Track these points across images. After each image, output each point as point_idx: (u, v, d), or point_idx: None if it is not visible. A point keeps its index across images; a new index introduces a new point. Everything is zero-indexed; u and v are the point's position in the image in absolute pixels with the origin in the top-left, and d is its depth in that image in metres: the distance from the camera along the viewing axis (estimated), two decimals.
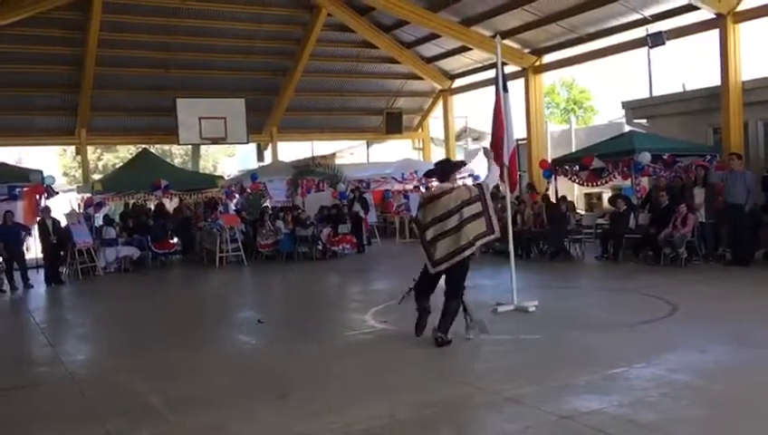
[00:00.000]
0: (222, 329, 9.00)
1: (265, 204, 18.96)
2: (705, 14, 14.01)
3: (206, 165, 40.66)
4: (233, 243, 16.01)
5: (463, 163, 8.48)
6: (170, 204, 19.34)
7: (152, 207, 18.30)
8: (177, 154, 39.57)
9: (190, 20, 18.85)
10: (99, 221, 16.15)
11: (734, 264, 11.36)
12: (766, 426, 4.51)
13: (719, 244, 12.15)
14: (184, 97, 19.48)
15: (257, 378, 6.32)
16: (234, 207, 18.26)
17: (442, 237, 6.71)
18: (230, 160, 41.85)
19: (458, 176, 17.12)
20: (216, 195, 17.56)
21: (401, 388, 5.65)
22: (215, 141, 21.24)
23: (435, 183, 7.04)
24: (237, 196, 18.73)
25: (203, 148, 31.65)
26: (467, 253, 6.75)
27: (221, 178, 19.43)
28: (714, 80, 14.08)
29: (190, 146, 27.68)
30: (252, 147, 24.76)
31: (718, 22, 13.61)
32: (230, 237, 15.94)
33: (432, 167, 7.69)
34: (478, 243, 6.81)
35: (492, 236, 6.94)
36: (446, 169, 7.27)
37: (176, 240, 17.35)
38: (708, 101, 14.41)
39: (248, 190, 18.67)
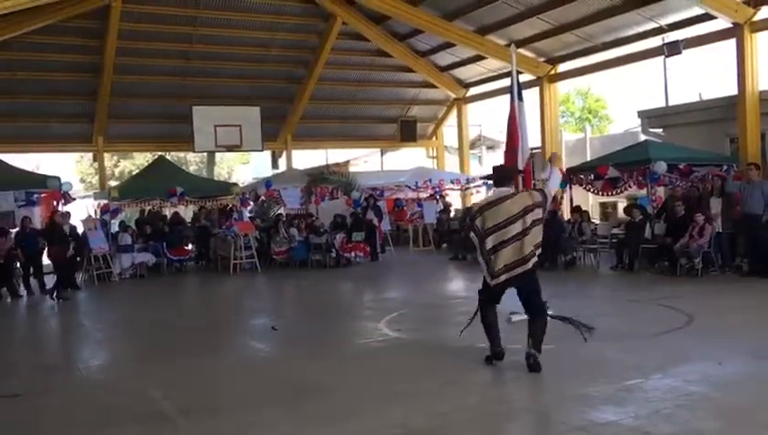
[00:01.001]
0: (235, 336, 9.03)
1: (279, 211, 19.01)
2: (721, 23, 13.92)
3: (220, 172, 40.91)
4: (247, 250, 16.06)
5: (520, 171, 8.18)
6: (185, 211, 19.44)
7: (168, 214, 18.40)
8: (192, 161, 39.81)
9: (206, 28, 18.99)
10: (115, 227, 16.26)
11: (751, 275, 11.23)
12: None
13: (736, 254, 12.01)
14: (200, 105, 19.62)
15: (270, 385, 6.33)
16: (248, 215, 18.32)
17: (502, 246, 6.16)
18: (245, 168, 42.06)
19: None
20: (230, 202, 17.64)
21: (414, 396, 5.63)
22: (230, 149, 21.35)
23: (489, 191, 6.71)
24: (252, 203, 18.80)
25: (218, 155, 31.85)
26: (530, 264, 6.17)
27: (236, 185, 19.54)
28: (731, 89, 13.99)
29: (206, 153, 27.85)
30: (266, 154, 24.87)
31: (735, 31, 13.53)
32: (244, 244, 16.00)
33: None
34: (538, 251, 6.23)
35: None
36: (504, 173, 6.83)
37: (191, 247, 17.42)
38: (725, 111, 14.31)
39: (262, 198, 18.74)
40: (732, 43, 13.70)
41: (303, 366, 6.95)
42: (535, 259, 6.20)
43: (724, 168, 13.10)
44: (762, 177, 12.00)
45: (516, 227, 6.14)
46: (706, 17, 14.09)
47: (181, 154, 35.37)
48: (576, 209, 14.66)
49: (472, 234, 6.33)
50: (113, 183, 26.05)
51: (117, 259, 15.35)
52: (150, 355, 7.93)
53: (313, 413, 5.36)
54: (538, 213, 6.21)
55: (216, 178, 27.79)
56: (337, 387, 6.06)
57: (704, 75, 21.56)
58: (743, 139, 13.44)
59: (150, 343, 8.79)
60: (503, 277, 6.20)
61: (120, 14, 17.15)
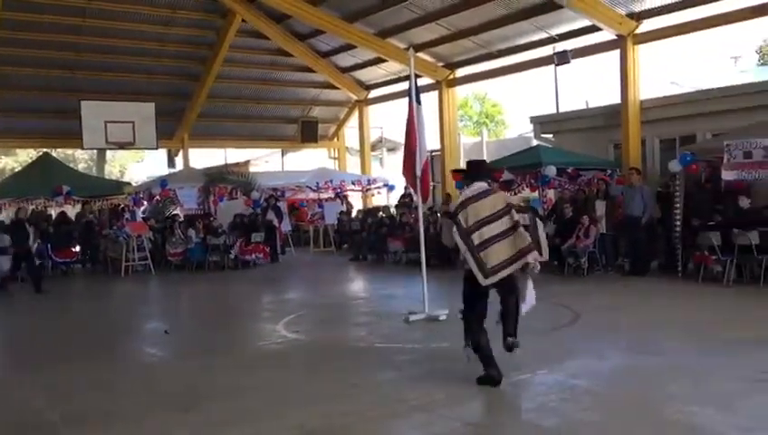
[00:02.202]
0: (126, 341, 8.67)
1: (175, 211, 18.44)
2: (607, 35, 14.74)
3: (112, 171, 39.24)
4: (140, 251, 15.47)
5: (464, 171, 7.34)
6: (72, 210, 18.48)
7: (53, 214, 17.43)
8: (81, 159, 37.97)
9: (97, 20, 18.13)
10: None
11: (632, 274, 11.94)
12: (660, 430, 4.74)
13: (618, 254, 12.74)
14: (90, 99, 18.73)
15: (163, 391, 6.12)
16: (141, 215, 17.65)
17: (491, 243, 5.57)
18: (139, 166, 40.50)
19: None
20: (122, 202, 16.94)
21: (311, 398, 5.61)
22: (122, 146, 20.52)
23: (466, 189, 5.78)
24: (146, 203, 18.13)
25: (109, 153, 30.49)
26: (530, 258, 5.60)
27: (128, 184, 18.79)
28: (615, 98, 14.83)
29: (95, 151, 26.56)
30: (162, 153, 24.06)
31: (619, 43, 14.36)
32: (137, 246, 15.41)
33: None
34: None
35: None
36: (480, 168, 6.17)
37: (78, 249, 16.56)
38: (609, 118, 15.15)
39: (157, 197, 18.10)
40: (616, 54, 14.53)
41: (197, 370, 6.76)
42: (534, 253, 5.64)
43: (608, 172, 13.87)
44: (642, 181, 12.77)
45: (505, 222, 5.62)
46: (593, 29, 14.86)
47: (69, 151, 33.66)
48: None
49: (455, 230, 5.62)
50: None
51: None
52: (34, 364, 7.46)
53: (208, 418, 5.23)
54: (525, 218, 5.79)
55: (107, 177, 26.59)
56: (232, 390, 5.94)
57: (592, 84, 22.74)
58: (625, 145, 14.28)
59: (34, 350, 8.27)
60: (503, 274, 5.60)
61: (1, 2, 16.07)
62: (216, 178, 18.34)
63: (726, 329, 7.51)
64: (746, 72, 21.35)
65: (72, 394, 6.09)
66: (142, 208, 18.09)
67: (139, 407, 5.62)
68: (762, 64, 29.94)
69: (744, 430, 4.60)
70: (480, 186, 5.81)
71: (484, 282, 5.58)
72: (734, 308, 8.96)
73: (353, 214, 20.62)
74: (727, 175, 10.31)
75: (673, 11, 13.55)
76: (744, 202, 10.62)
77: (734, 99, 13.47)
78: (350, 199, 21.50)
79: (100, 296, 13.37)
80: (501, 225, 5.61)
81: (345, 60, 21.35)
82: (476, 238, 5.57)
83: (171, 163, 23.43)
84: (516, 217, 5.64)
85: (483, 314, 5.77)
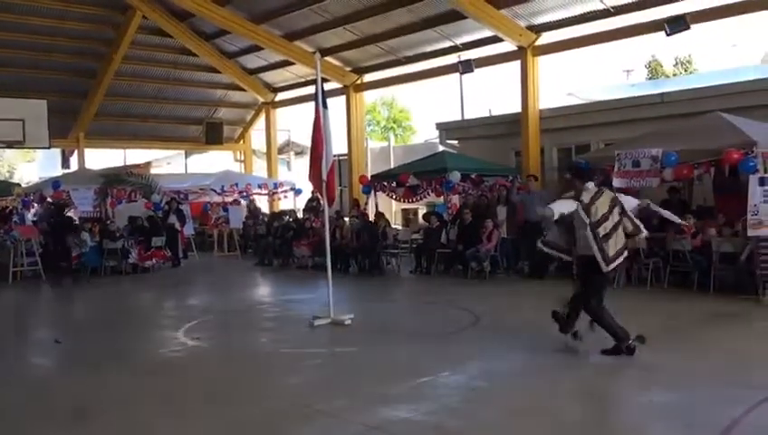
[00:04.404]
0: (12, 351, 8.12)
1: (69, 214, 17.51)
2: (508, 45, 15.24)
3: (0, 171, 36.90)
4: (30, 256, 14.59)
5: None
6: None
7: None
8: None
9: None
10: None
11: (530, 276, 12.36)
12: (560, 428, 4.91)
13: (519, 258, 13.16)
14: None
15: (49, 404, 5.77)
16: (31, 218, 16.66)
17: (610, 235, 6.51)
18: (29, 166, 38.29)
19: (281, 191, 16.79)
20: (10, 203, 15.93)
21: (212, 405, 5.46)
22: (10, 145, 19.21)
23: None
24: (36, 205, 17.12)
25: None
26: (626, 253, 6.77)
27: (17, 185, 17.69)
28: (517, 107, 15.34)
29: None
30: (56, 153, 22.84)
31: (519, 54, 14.87)
32: (26, 250, 14.52)
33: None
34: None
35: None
36: (591, 170, 7.29)
37: None
38: (511, 127, 15.67)
39: (49, 199, 17.14)
40: (517, 64, 15.05)
41: (87, 382, 6.43)
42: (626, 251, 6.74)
43: (510, 178, 14.32)
44: (540, 187, 13.25)
45: (615, 217, 6.56)
46: (495, 39, 15.33)
47: None
48: (379, 215, 15.14)
49: (587, 219, 6.44)
50: None
51: None
52: None
53: (97, 432, 4.98)
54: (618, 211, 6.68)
55: None
56: (125, 402, 5.69)
57: (495, 93, 23.46)
58: (525, 152, 14.80)
59: None
60: (616, 262, 6.57)
61: None
62: (113, 180, 17.56)
63: None
64: (637, 86, 22.60)
65: None
66: (33, 211, 17.08)
67: (21, 422, 5.28)
68: (651, 78, 31.85)
69: (632, 419, 4.82)
70: (592, 185, 6.70)
71: (607, 268, 6.51)
72: (624, 309, 9.38)
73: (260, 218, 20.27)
74: (618, 182, 10.85)
75: (571, 24, 14.19)
76: None
77: (625, 110, 14.27)
78: (257, 204, 21.14)
79: None
80: (612, 219, 6.56)
81: (252, 61, 21.03)
82: (602, 231, 6.50)
83: (66, 163, 22.28)
84: (616, 212, 6.59)
85: (602, 297, 6.72)
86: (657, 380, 5.84)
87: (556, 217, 6.65)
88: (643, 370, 6.11)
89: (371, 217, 15.26)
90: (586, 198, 6.57)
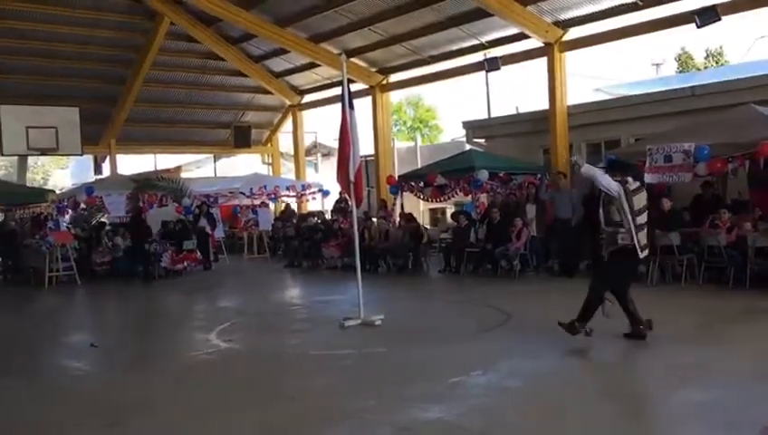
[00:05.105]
0: (49, 355, 8.29)
1: (102, 219, 17.82)
2: (535, 42, 15.11)
3: (34, 178, 37.71)
4: (65, 261, 14.87)
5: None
6: None
7: None
8: (0, 166, 36.33)
9: (16, 22, 17.42)
10: None
11: (561, 274, 12.24)
12: (590, 428, 4.86)
13: (549, 256, 13.04)
14: (9, 104, 17.92)
15: (87, 406, 5.88)
16: (66, 224, 16.96)
17: (643, 227, 6.97)
18: (63, 173, 39.04)
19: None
20: (45, 210, 16.24)
21: (243, 408, 5.50)
22: (44, 152, 19.72)
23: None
24: (70, 211, 17.44)
25: (31, 159, 29.24)
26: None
27: (52, 191, 18.00)
28: (544, 104, 15.20)
29: (16, 157, 25.46)
30: (88, 159, 23.23)
31: (546, 50, 14.73)
32: (62, 255, 14.80)
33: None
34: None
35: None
36: (633, 167, 7.74)
37: None
38: (538, 124, 15.52)
39: (82, 205, 17.45)
40: (544, 61, 14.90)
41: (124, 384, 6.54)
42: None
43: (538, 176, 14.18)
44: (570, 185, 13.11)
45: (645, 214, 7.01)
46: (522, 36, 15.20)
47: None
48: (407, 216, 15.11)
49: (627, 207, 6.80)
50: None
51: None
52: None
53: (134, 433, 5.05)
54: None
55: (28, 184, 25.47)
56: (159, 404, 5.77)
57: (522, 90, 23.27)
58: (553, 150, 14.65)
59: None
60: (645, 252, 7.06)
61: None
62: (145, 185, 17.82)
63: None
64: (666, 79, 22.23)
65: None
66: (67, 217, 17.39)
67: (59, 425, 5.38)
68: (681, 71, 31.31)
69: (668, 418, 4.75)
70: (631, 180, 7.05)
71: (642, 254, 6.99)
72: (657, 307, 9.26)
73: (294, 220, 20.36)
74: (649, 178, 10.68)
75: (598, 19, 14.00)
76: (666, 204, 11.03)
77: (655, 105, 14.04)
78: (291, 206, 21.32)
79: (20, 308, 12.77)
80: (646, 215, 7.02)
81: (278, 64, 21.15)
82: (639, 220, 6.90)
83: (98, 170, 22.65)
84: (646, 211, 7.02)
85: (630, 283, 7.18)
86: (694, 377, 5.74)
87: (601, 181, 6.89)
88: (678, 368, 6.01)
89: (397, 218, 15.27)
90: (631, 186, 6.94)
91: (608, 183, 6.88)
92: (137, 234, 15.26)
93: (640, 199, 6.96)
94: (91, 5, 17.86)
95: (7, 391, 6.45)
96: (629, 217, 6.82)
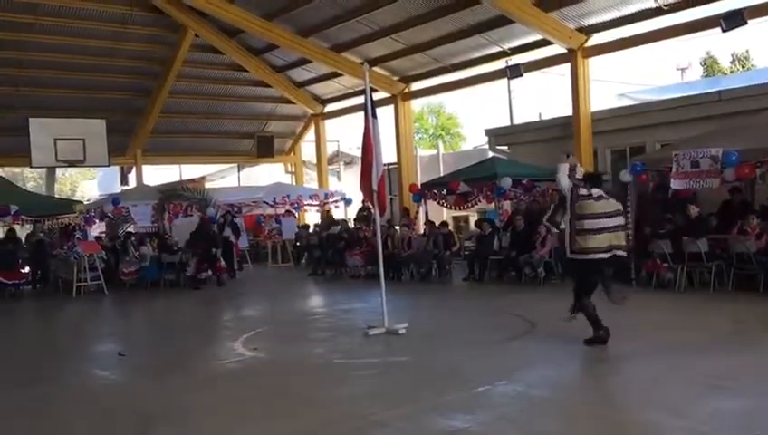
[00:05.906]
0: (77, 363, 8.40)
1: (129, 229, 18.04)
2: (558, 48, 15.04)
3: (62, 189, 38.34)
4: (92, 271, 15.06)
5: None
6: (22, 230, 17.92)
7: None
8: (30, 177, 37.02)
9: (44, 36, 17.75)
10: None
11: None
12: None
13: None
14: (38, 117, 18.26)
15: (114, 415, 5.94)
16: (94, 234, 17.20)
17: (597, 232, 7.16)
18: (90, 184, 39.63)
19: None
20: (73, 220, 16.46)
21: (269, 417, 5.52)
22: (72, 164, 20.00)
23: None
24: (97, 221, 17.68)
25: (59, 171, 29.73)
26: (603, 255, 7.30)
27: (79, 202, 18.27)
28: (567, 110, 15.11)
29: (44, 169, 25.91)
30: (114, 170, 23.55)
31: (569, 56, 14.66)
32: (89, 265, 15.00)
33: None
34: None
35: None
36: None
37: (27, 269, 16.05)
38: (562, 130, 15.43)
39: (109, 215, 17.69)
40: (567, 67, 14.83)
41: (151, 393, 6.59)
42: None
43: None
44: None
45: (601, 221, 7.20)
46: (544, 43, 15.15)
47: (17, 170, 32.76)
48: (431, 224, 15.08)
49: (568, 204, 7.21)
50: None
51: None
52: None
53: None
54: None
55: (57, 196, 25.88)
56: (187, 412, 5.81)
57: (545, 96, 23.14)
58: (577, 156, 14.51)
59: None
60: (593, 255, 7.25)
61: None
62: (170, 195, 18.02)
63: (678, 335, 7.66)
64: (692, 84, 21.97)
65: (18, 420, 5.86)
66: (94, 227, 17.63)
67: (91, 432, 5.44)
68: (706, 76, 30.93)
69: (699, 428, 4.68)
70: (594, 190, 7.28)
71: (574, 256, 7.27)
72: (685, 314, 9.15)
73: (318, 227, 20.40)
74: (676, 184, 10.57)
75: (622, 25, 13.91)
76: (694, 211, 10.89)
77: (681, 110, 13.88)
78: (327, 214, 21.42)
79: (49, 317, 12.98)
80: (603, 221, 7.19)
81: (300, 74, 21.31)
82: (587, 225, 7.13)
83: (124, 180, 22.96)
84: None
85: (588, 285, 7.44)
86: (724, 386, 5.64)
87: (559, 179, 7.25)
88: (708, 376, 5.92)
89: (421, 226, 15.24)
90: (582, 192, 7.21)
91: (563, 182, 7.22)
92: (207, 243, 15.53)
93: (593, 207, 7.15)
94: (118, 19, 18.15)
95: (38, 399, 6.54)
96: (566, 218, 7.20)
